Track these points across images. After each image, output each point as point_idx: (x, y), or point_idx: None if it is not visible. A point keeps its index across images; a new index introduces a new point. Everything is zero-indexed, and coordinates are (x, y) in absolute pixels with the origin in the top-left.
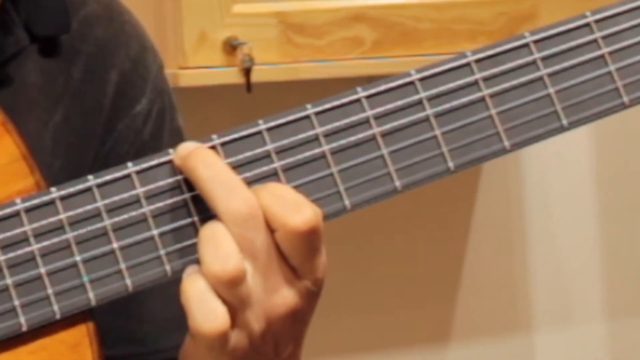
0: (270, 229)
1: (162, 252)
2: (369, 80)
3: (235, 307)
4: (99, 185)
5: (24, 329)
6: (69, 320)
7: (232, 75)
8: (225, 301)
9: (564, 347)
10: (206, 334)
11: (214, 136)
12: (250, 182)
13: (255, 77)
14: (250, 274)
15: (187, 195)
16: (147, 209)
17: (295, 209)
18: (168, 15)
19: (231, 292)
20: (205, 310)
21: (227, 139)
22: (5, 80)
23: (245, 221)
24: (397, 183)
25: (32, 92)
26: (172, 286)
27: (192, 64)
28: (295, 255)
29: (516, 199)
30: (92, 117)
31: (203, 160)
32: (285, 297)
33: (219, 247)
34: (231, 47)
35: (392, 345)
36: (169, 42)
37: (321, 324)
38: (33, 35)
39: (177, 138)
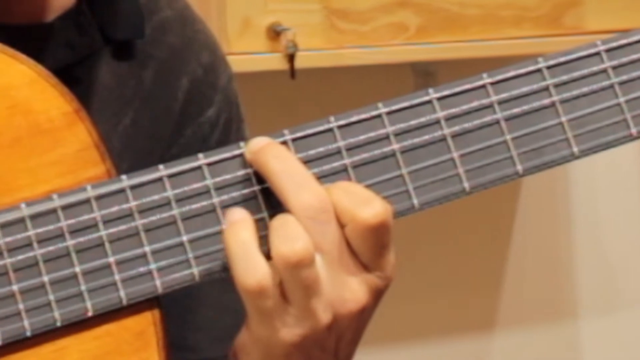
0: (341, 224)
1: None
2: (412, 66)
3: (303, 293)
4: (170, 176)
5: (90, 314)
6: (135, 308)
7: (276, 62)
8: (293, 286)
9: (610, 334)
10: (247, 287)
11: (285, 131)
12: (319, 178)
13: (299, 63)
14: (320, 265)
15: (256, 188)
16: (216, 199)
17: (365, 203)
18: (212, 1)
19: (299, 275)
20: (247, 263)
21: (298, 135)
22: (77, 80)
23: (316, 215)
24: (466, 185)
25: (103, 94)
26: (225, 296)
27: (236, 50)
28: (365, 251)
29: (562, 186)
30: (161, 122)
31: (275, 155)
32: (356, 292)
33: (288, 231)
34: (275, 33)
35: (439, 332)
36: (212, 28)
37: None
38: (107, 38)
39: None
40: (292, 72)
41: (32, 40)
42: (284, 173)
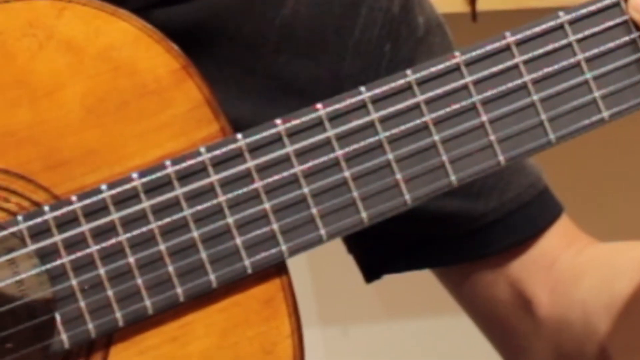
0: None
1: (362, 212)
2: None
3: None
4: (287, 129)
5: (214, 285)
6: (262, 274)
7: (457, 4)
8: None
9: None
10: None
11: (408, 71)
12: (448, 119)
13: (481, 5)
14: None
15: (383, 137)
16: (339, 152)
17: None
18: None
19: None
20: None
21: (422, 74)
22: None
23: None
24: (605, 114)
25: None
26: None
27: None
28: None
29: None
30: (324, 5)
31: None
32: None
33: None
34: None
35: None
36: None
37: None
38: None
39: (427, 4)
40: (474, 15)
41: None
42: None
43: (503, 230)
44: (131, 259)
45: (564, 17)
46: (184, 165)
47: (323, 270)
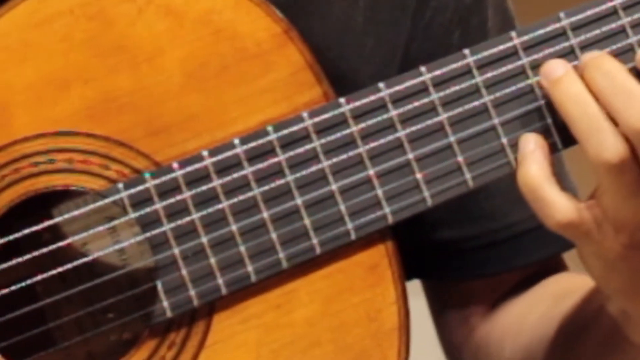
0: None
1: (467, 176)
2: None
3: None
4: (392, 94)
5: (317, 251)
6: (366, 241)
7: None
8: None
9: None
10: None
11: (513, 33)
12: None
13: None
14: None
15: (487, 99)
16: (444, 116)
17: None
18: None
19: None
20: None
21: (528, 36)
22: None
23: None
24: None
25: None
26: None
27: None
28: None
29: None
30: None
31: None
32: None
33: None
34: None
35: None
36: None
37: None
38: None
39: None
40: None
41: None
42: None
43: None
44: (233, 227)
45: None
46: (286, 131)
47: None
